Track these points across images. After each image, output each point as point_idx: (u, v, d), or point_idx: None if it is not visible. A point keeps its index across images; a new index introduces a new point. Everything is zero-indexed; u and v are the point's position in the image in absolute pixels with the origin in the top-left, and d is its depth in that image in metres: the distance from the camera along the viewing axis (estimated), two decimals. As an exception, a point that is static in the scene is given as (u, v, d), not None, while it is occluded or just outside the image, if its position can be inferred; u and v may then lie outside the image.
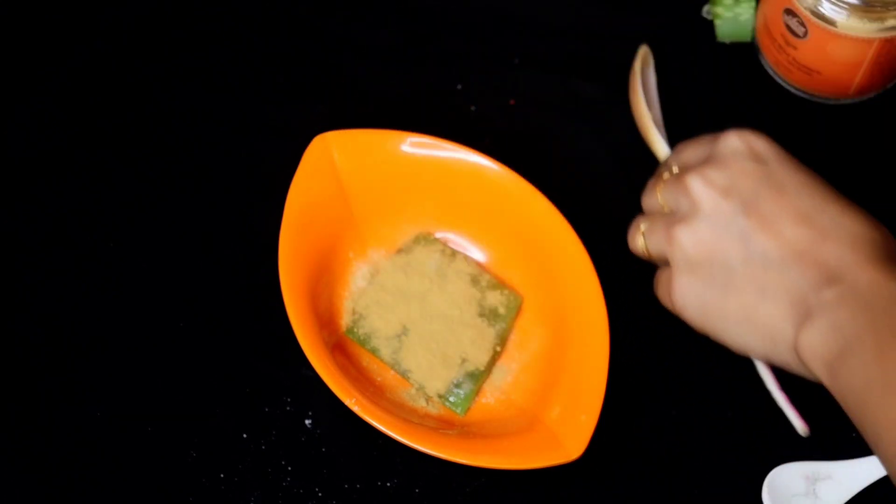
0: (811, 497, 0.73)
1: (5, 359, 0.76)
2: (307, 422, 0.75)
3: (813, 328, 0.65)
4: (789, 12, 0.78)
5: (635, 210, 0.80)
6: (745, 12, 0.85)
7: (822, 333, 0.64)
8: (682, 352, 0.77)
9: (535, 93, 0.84)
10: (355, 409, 0.70)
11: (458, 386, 0.75)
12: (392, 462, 0.74)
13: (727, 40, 0.85)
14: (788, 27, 0.79)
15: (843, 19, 0.76)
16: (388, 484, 0.74)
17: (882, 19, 0.76)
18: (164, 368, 0.76)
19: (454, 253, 0.78)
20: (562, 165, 0.80)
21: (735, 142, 0.70)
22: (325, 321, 0.75)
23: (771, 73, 0.84)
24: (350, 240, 0.78)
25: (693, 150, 0.73)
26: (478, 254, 0.79)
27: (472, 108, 0.83)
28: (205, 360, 0.77)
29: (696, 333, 0.77)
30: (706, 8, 0.86)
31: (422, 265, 0.77)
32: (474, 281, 0.77)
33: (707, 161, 0.70)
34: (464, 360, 0.75)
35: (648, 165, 0.78)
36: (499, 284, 0.77)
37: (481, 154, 0.77)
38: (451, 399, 0.75)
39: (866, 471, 0.74)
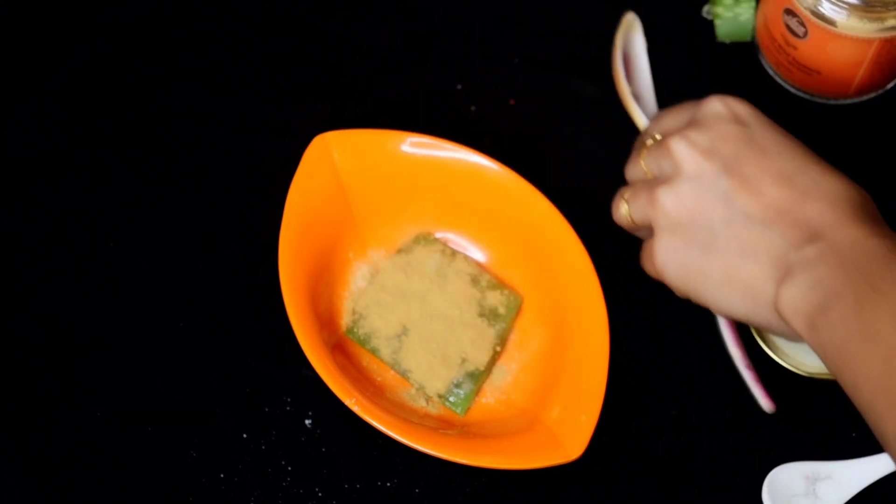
0: (811, 497, 0.73)
1: (5, 359, 0.76)
2: (307, 422, 0.75)
3: (793, 284, 0.66)
4: (789, 12, 0.78)
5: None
6: (745, 12, 0.85)
7: (803, 289, 0.65)
8: (682, 352, 0.77)
9: (535, 93, 0.84)
10: (355, 409, 0.71)
11: (458, 386, 0.75)
12: (392, 462, 0.74)
13: (727, 40, 0.85)
14: (788, 27, 0.79)
15: (843, 19, 0.76)
16: (388, 484, 0.74)
17: (882, 19, 0.76)
18: (164, 368, 0.76)
19: (454, 253, 0.78)
20: (562, 165, 0.80)
21: (717, 106, 0.71)
22: (325, 321, 0.75)
23: (771, 73, 0.84)
24: (350, 240, 0.78)
25: (674, 116, 0.73)
26: (478, 254, 0.79)
27: (472, 108, 0.83)
28: (205, 360, 0.77)
29: (696, 332, 0.77)
30: (706, 8, 0.86)
31: (422, 265, 0.77)
32: (474, 281, 0.77)
33: (689, 125, 0.71)
34: (464, 360, 0.75)
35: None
36: (499, 284, 0.77)
37: (481, 154, 0.77)
38: (451, 399, 0.75)
39: (866, 471, 0.74)
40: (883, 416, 0.62)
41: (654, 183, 0.71)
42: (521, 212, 0.77)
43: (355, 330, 0.76)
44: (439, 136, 0.77)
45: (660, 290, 0.78)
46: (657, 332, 0.77)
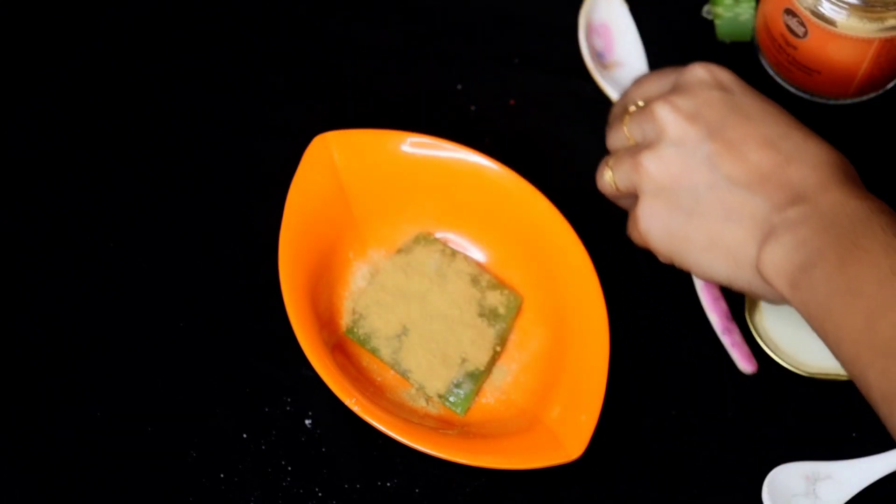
0: (811, 497, 0.73)
1: (5, 359, 0.76)
2: (307, 422, 0.75)
3: (776, 245, 0.66)
4: (789, 12, 0.78)
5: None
6: (745, 12, 0.85)
7: (786, 249, 0.66)
8: (682, 352, 0.77)
9: (535, 93, 0.84)
10: (355, 409, 0.70)
11: (458, 386, 0.75)
12: (392, 462, 0.74)
13: (727, 40, 0.85)
14: (788, 27, 0.79)
15: (843, 19, 0.76)
16: (388, 484, 0.74)
17: (882, 19, 0.76)
18: (164, 368, 0.76)
19: (454, 253, 0.78)
20: (562, 165, 0.80)
21: (700, 72, 0.72)
22: (325, 321, 0.75)
23: (771, 73, 0.84)
24: (350, 240, 0.78)
25: (656, 82, 0.74)
26: (478, 254, 0.79)
27: (472, 108, 0.83)
28: (205, 360, 0.77)
29: (696, 333, 0.77)
30: (706, 8, 0.86)
31: (422, 265, 0.77)
32: (474, 281, 0.77)
33: (673, 90, 0.72)
34: (464, 360, 0.75)
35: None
36: (499, 284, 0.77)
37: (481, 154, 0.77)
38: (451, 399, 0.75)
39: (866, 471, 0.74)
40: (866, 369, 0.63)
41: (637, 148, 0.71)
42: (521, 212, 0.77)
43: (355, 330, 0.76)
44: (439, 136, 0.77)
45: (660, 290, 0.79)
46: (657, 332, 0.77)
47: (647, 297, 0.78)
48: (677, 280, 0.78)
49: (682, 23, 0.86)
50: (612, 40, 0.84)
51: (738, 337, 0.76)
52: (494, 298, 0.77)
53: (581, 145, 0.82)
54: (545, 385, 0.74)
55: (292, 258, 0.74)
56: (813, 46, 0.79)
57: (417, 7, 0.86)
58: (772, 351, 0.76)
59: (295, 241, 0.74)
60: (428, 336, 0.76)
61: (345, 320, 0.77)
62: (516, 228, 0.77)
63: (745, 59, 0.85)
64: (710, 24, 0.85)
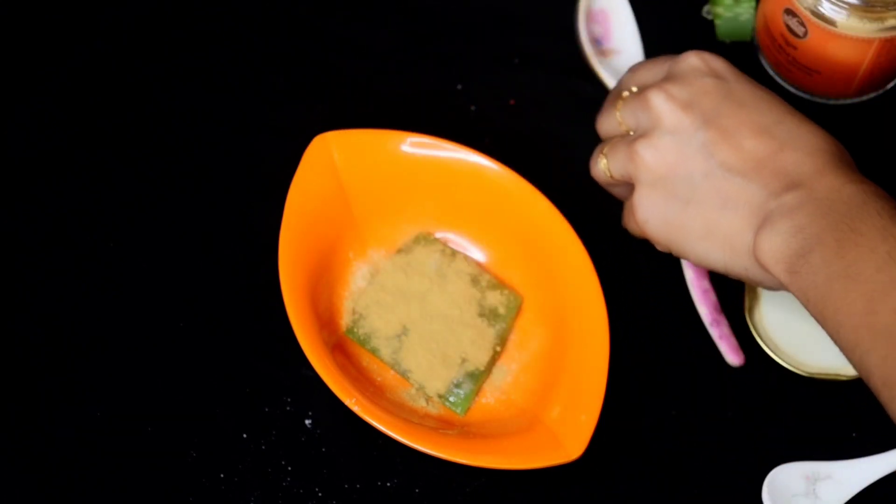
0: (811, 497, 0.73)
1: (5, 359, 0.76)
2: (307, 422, 0.75)
3: (773, 231, 0.66)
4: (789, 12, 0.78)
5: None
6: (745, 12, 0.85)
7: (783, 236, 0.66)
8: (682, 352, 0.77)
9: (535, 93, 0.84)
10: (355, 409, 0.70)
11: (458, 386, 0.75)
12: (392, 462, 0.74)
13: (727, 40, 0.85)
14: (788, 27, 0.79)
15: (843, 19, 0.76)
16: (388, 484, 0.74)
17: (882, 19, 0.76)
18: (164, 368, 0.76)
19: (454, 253, 0.78)
20: (562, 165, 0.80)
21: (694, 60, 0.72)
22: (325, 321, 0.75)
23: (771, 72, 0.84)
24: (350, 240, 0.78)
25: (650, 70, 0.74)
26: (478, 254, 0.79)
27: (472, 108, 0.83)
28: (205, 360, 0.77)
29: (696, 333, 0.77)
30: (706, 8, 0.86)
31: (422, 265, 0.77)
32: (474, 281, 0.77)
33: (667, 79, 0.72)
34: (464, 360, 0.75)
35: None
36: (499, 284, 0.77)
37: (481, 154, 0.77)
38: (451, 399, 0.75)
39: (866, 471, 0.74)
40: (866, 355, 0.63)
41: (632, 137, 0.71)
42: (521, 212, 0.77)
43: (355, 330, 0.76)
44: (439, 136, 0.77)
45: (659, 290, 0.79)
46: (657, 332, 0.77)
47: (646, 297, 0.78)
48: (677, 280, 0.78)
49: (682, 23, 0.86)
50: (611, 27, 0.84)
51: (725, 329, 0.76)
52: (494, 298, 0.77)
53: (581, 145, 0.82)
54: (545, 385, 0.74)
55: (292, 258, 0.74)
56: (813, 46, 0.79)
57: (417, 7, 0.86)
58: (772, 351, 0.76)
59: (295, 241, 0.74)
60: (428, 336, 0.76)
61: (345, 320, 0.77)
62: (516, 228, 0.77)
63: (745, 59, 0.84)
64: (710, 24, 0.85)
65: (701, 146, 0.69)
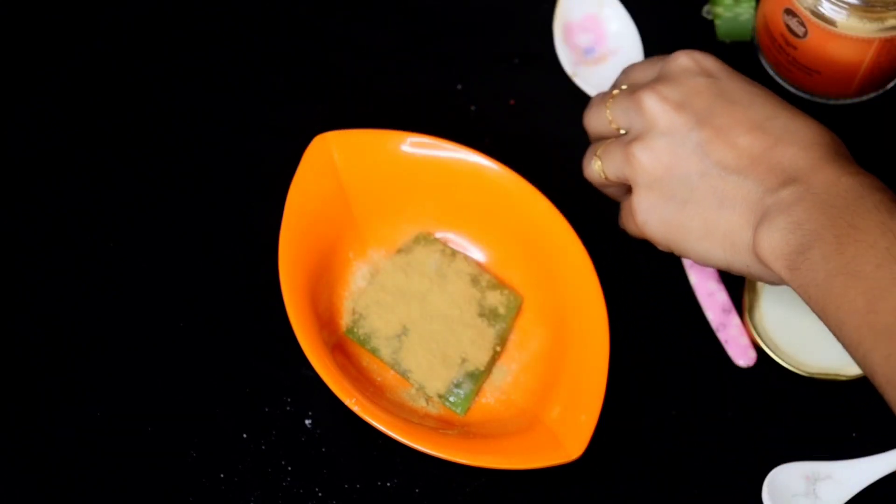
0: (811, 497, 0.73)
1: (5, 359, 0.76)
2: (307, 422, 0.75)
3: (771, 227, 0.66)
4: (789, 12, 0.78)
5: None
6: (745, 12, 0.85)
7: (781, 231, 0.66)
8: (682, 352, 0.77)
9: (535, 93, 0.84)
10: (355, 409, 0.70)
11: (458, 386, 0.75)
12: (392, 462, 0.74)
13: (727, 40, 0.85)
14: (788, 27, 0.79)
15: (843, 19, 0.76)
16: (388, 484, 0.74)
17: (882, 19, 0.76)
18: (164, 368, 0.76)
19: (454, 253, 0.78)
20: (562, 165, 0.80)
21: (685, 60, 0.72)
22: (325, 321, 0.75)
23: (771, 72, 0.84)
24: (350, 240, 0.78)
25: (642, 70, 0.74)
26: (478, 254, 0.79)
27: (472, 108, 0.83)
28: (205, 360, 0.77)
29: (696, 332, 0.77)
30: (706, 8, 0.86)
31: (422, 265, 0.77)
32: (474, 281, 0.77)
33: (658, 79, 0.72)
34: (464, 360, 0.75)
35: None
36: (499, 284, 0.77)
37: (481, 154, 0.77)
38: (451, 399, 0.75)
39: (866, 471, 0.74)
40: (869, 353, 0.63)
41: (626, 140, 0.72)
42: (521, 212, 0.77)
43: (355, 330, 0.76)
44: (439, 136, 0.77)
45: (660, 290, 0.79)
46: (657, 332, 0.77)
47: (646, 297, 0.78)
48: (677, 280, 0.78)
49: (681, 23, 0.86)
50: (603, 29, 0.84)
51: (733, 331, 0.76)
52: (494, 298, 0.77)
53: (581, 145, 0.82)
54: (545, 385, 0.74)
55: (292, 258, 0.74)
56: (813, 46, 0.79)
57: (417, 7, 0.86)
58: (772, 351, 0.76)
59: (295, 241, 0.74)
60: (428, 336, 0.76)
61: (345, 320, 0.77)
62: (516, 228, 0.77)
63: (745, 59, 0.84)
64: (710, 24, 0.85)
65: (696, 146, 0.69)
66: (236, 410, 0.75)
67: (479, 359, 0.75)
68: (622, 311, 0.76)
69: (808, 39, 0.79)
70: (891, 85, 0.83)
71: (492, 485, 0.74)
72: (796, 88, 0.83)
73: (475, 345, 0.76)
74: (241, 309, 0.78)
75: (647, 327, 0.77)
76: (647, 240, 0.72)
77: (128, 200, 0.81)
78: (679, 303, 0.78)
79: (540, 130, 0.83)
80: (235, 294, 0.78)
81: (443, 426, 0.74)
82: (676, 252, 0.72)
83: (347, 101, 0.83)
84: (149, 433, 0.75)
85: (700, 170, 0.69)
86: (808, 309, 0.77)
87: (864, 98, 0.83)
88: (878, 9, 0.75)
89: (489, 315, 0.76)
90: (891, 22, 0.76)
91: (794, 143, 0.68)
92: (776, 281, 0.69)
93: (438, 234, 0.79)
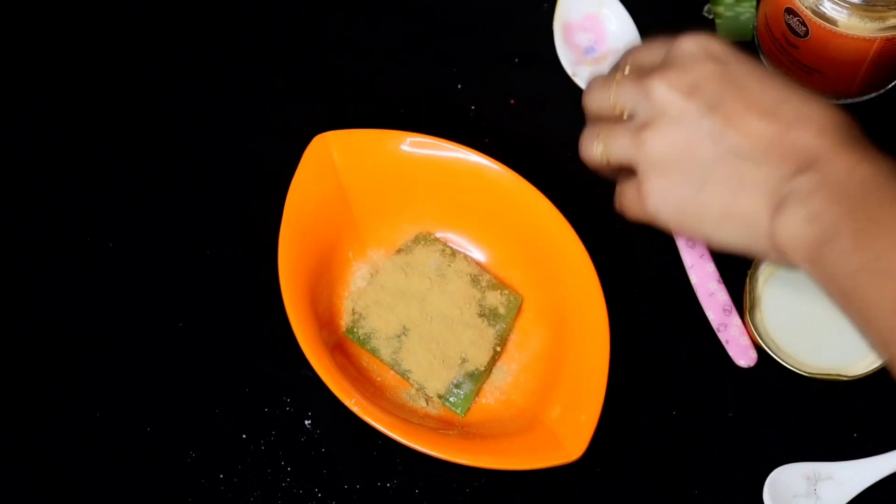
0: (812, 497, 0.73)
1: (5, 359, 0.76)
2: (307, 422, 0.75)
3: (789, 218, 0.66)
4: (790, 12, 0.78)
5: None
6: (746, 12, 0.85)
7: (800, 223, 0.65)
8: (683, 352, 0.77)
9: (535, 93, 0.83)
10: (355, 409, 0.70)
11: (458, 386, 0.75)
12: (392, 462, 0.74)
13: (728, 39, 0.85)
14: (789, 26, 0.79)
15: (845, 19, 0.76)
16: (388, 484, 0.74)
17: (883, 18, 0.76)
18: (164, 368, 0.76)
19: (454, 253, 0.78)
20: (562, 165, 0.80)
21: (691, 45, 0.70)
22: (325, 321, 0.75)
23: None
24: (350, 240, 0.78)
25: (646, 54, 0.73)
26: (478, 254, 0.79)
27: (472, 108, 0.83)
28: (205, 360, 0.77)
29: (696, 332, 0.77)
30: (707, 7, 0.86)
31: (422, 265, 0.77)
32: (474, 281, 0.77)
33: (665, 65, 0.71)
34: (464, 361, 0.75)
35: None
36: (499, 284, 0.77)
37: (481, 154, 0.77)
38: (451, 399, 0.75)
39: (867, 471, 0.74)
40: None
41: (635, 126, 0.70)
42: (521, 212, 0.77)
43: (355, 330, 0.76)
44: (439, 136, 0.77)
45: (660, 290, 0.78)
46: (657, 331, 0.77)
47: (647, 296, 0.78)
48: (677, 280, 0.78)
49: (682, 23, 0.85)
50: (602, 29, 0.84)
51: (733, 331, 0.76)
52: (494, 298, 0.77)
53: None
54: (545, 385, 0.74)
55: (292, 258, 0.74)
56: (814, 46, 0.79)
57: (417, 7, 0.86)
58: (772, 351, 0.76)
59: (295, 241, 0.74)
60: (428, 336, 0.76)
61: (344, 320, 0.77)
62: (516, 228, 0.77)
63: (745, 58, 0.84)
64: (710, 24, 0.85)
65: (708, 133, 0.68)
66: (236, 410, 0.75)
67: (479, 359, 0.75)
68: (622, 311, 0.76)
69: (809, 39, 0.78)
70: (892, 84, 0.83)
71: (492, 485, 0.74)
72: (797, 88, 0.83)
73: (475, 345, 0.75)
74: (241, 309, 0.78)
75: (648, 327, 0.77)
76: (653, 224, 0.72)
77: (128, 200, 0.81)
78: (680, 303, 0.78)
79: (540, 130, 0.83)
80: (235, 294, 0.78)
81: (443, 426, 0.74)
82: (691, 236, 0.71)
83: (347, 101, 0.83)
84: (149, 433, 0.75)
85: (714, 156, 0.68)
86: (808, 309, 0.77)
87: (866, 97, 0.83)
88: (880, 8, 0.75)
89: (489, 315, 0.76)
90: (892, 21, 0.76)
91: (807, 127, 0.67)
92: (795, 267, 0.68)
93: (438, 234, 0.79)
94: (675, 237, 0.79)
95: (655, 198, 0.70)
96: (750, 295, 0.77)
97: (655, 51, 0.73)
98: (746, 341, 0.76)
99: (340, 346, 0.76)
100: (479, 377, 0.75)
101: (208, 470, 0.74)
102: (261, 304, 0.77)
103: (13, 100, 0.83)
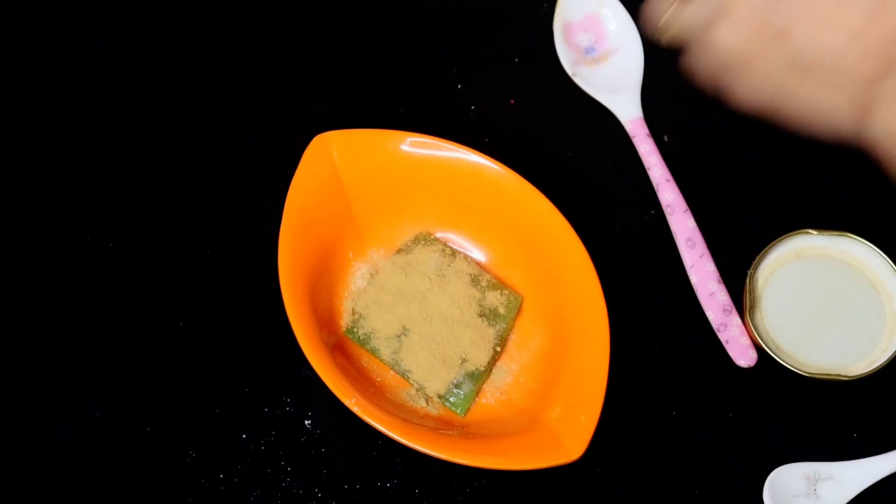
0: (812, 497, 0.73)
1: (5, 359, 0.76)
2: (307, 422, 0.75)
3: (878, 123, 0.65)
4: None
5: (636, 211, 0.80)
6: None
7: (891, 129, 0.64)
8: (683, 352, 0.77)
9: (535, 93, 0.84)
10: (355, 409, 0.70)
11: (457, 386, 0.75)
12: (392, 462, 0.74)
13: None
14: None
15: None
16: (388, 484, 0.74)
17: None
18: (164, 368, 0.76)
19: (454, 253, 0.78)
20: (562, 165, 0.80)
21: None
22: (325, 321, 0.75)
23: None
24: (350, 240, 0.78)
25: None
26: (478, 254, 0.79)
27: (472, 108, 0.83)
28: (205, 360, 0.77)
29: (696, 332, 0.77)
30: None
31: (422, 265, 0.77)
32: (474, 281, 0.77)
33: None
34: (464, 361, 0.75)
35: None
36: (499, 284, 0.77)
37: (481, 154, 0.77)
38: (451, 399, 0.75)
39: (868, 471, 0.74)
40: None
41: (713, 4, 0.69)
42: (521, 212, 0.77)
43: (355, 330, 0.76)
44: (439, 136, 0.77)
45: (659, 290, 0.78)
46: (657, 331, 0.77)
47: (646, 296, 0.78)
48: (677, 280, 0.78)
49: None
50: (602, 29, 0.84)
51: (734, 332, 0.76)
52: (494, 298, 0.77)
53: (581, 145, 0.82)
54: (545, 385, 0.74)
55: (292, 258, 0.74)
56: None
57: (417, 7, 0.86)
58: (772, 351, 0.76)
59: (295, 241, 0.74)
60: (428, 336, 0.76)
61: (344, 320, 0.77)
62: (516, 228, 0.77)
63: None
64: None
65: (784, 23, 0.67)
66: (236, 410, 0.75)
67: (479, 359, 0.75)
68: (622, 311, 0.76)
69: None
70: (892, 85, 0.83)
71: (492, 485, 0.74)
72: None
73: (475, 345, 0.75)
74: (241, 309, 0.78)
75: (648, 327, 0.77)
76: (725, 103, 0.70)
77: (128, 200, 0.81)
78: (680, 303, 0.78)
79: (540, 130, 0.83)
80: (235, 294, 0.78)
81: (443, 426, 0.74)
82: (775, 119, 0.70)
83: (347, 101, 0.83)
84: (149, 433, 0.75)
85: (793, 51, 0.67)
86: (808, 309, 0.77)
87: (865, 98, 0.83)
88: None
89: (489, 315, 0.76)
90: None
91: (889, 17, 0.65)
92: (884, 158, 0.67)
93: (438, 234, 0.79)
94: (674, 237, 0.79)
95: (746, 89, 0.68)
96: (750, 295, 0.77)
97: None
98: (746, 341, 0.76)
99: (340, 346, 0.76)
100: (479, 377, 0.75)
101: (208, 470, 0.74)
102: (261, 304, 0.77)
103: (13, 100, 0.83)
